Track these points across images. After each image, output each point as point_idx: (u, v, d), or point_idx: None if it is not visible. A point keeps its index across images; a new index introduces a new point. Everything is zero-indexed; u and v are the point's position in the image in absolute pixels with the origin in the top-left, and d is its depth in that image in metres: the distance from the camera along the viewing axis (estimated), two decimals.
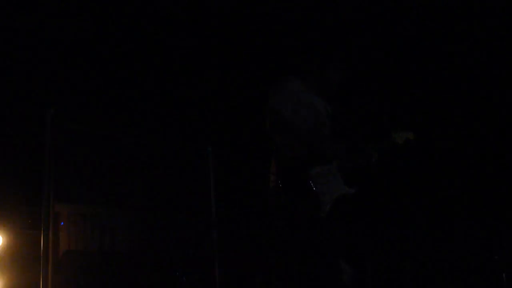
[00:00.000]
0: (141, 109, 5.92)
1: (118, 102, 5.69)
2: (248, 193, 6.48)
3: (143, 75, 5.76)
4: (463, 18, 5.59)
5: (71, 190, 5.37)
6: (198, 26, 5.51)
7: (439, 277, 5.54)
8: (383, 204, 6.01)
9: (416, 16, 5.61)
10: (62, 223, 5.34)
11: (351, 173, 3.88)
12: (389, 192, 6.08)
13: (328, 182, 3.65)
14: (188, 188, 6.29)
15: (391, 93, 6.44)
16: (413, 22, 5.63)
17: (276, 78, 3.76)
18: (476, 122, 6.73)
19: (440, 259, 5.56)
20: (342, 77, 3.86)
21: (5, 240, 5.06)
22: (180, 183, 6.25)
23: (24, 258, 5.11)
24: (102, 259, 5.49)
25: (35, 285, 4.66)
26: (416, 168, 5.74)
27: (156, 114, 6.05)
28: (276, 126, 3.66)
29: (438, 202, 5.73)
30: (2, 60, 5.36)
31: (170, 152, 6.26)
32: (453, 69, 6.13)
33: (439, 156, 6.32)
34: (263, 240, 6.48)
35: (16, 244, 5.12)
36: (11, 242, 5.08)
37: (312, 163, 3.63)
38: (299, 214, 3.58)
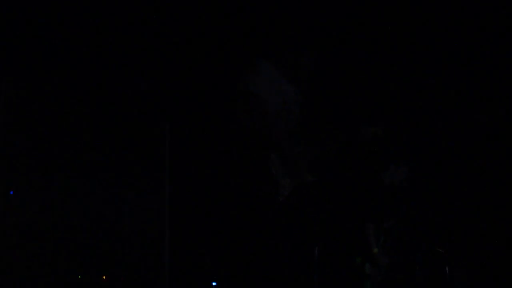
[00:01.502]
0: (97, 83, 5.82)
1: (77, 75, 5.59)
2: (206, 173, 6.48)
3: (101, 48, 5.65)
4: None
5: None
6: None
7: (390, 266, 5.65)
8: (343, 196, 6.09)
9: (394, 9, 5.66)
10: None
11: (314, 162, 3.93)
12: (350, 185, 6.17)
13: (289, 167, 3.69)
14: (143, 165, 6.25)
15: (364, 87, 6.50)
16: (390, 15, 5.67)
17: (249, 60, 3.76)
18: (445, 118, 6.89)
19: (391, 249, 5.68)
20: (315, 64, 3.88)
21: None
22: (134, 159, 6.20)
23: None
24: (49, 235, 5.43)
25: None
26: (381, 165, 5.83)
27: (112, 87, 5.96)
28: (244, 107, 3.67)
29: (395, 196, 5.84)
30: None
31: (126, 127, 6.20)
32: (428, 63, 6.22)
33: (405, 153, 6.43)
34: (218, 221, 6.50)
35: None
36: None
37: (273, 147, 3.66)
38: (257, 196, 3.61)
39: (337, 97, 6.51)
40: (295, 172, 3.74)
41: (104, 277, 5.98)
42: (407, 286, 5.87)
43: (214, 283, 6.40)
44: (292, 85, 3.92)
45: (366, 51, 6.03)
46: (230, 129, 3.89)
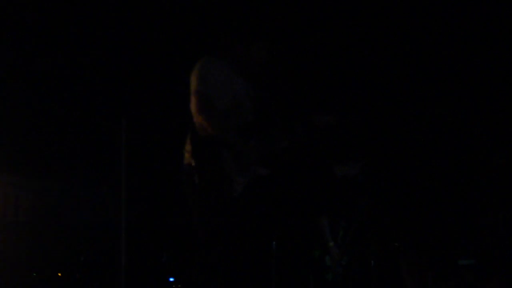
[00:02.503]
0: (56, 77, 5.74)
1: (35, 69, 5.50)
2: (160, 170, 6.45)
3: (61, 42, 5.57)
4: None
5: None
6: None
7: (349, 260, 5.70)
8: (296, 188, 6.09)
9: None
10: None
11: (267, 155, 3.92)
12: (304, 177, 6.17)
13: (242, 162, 3.68)
14: (99, 160, 6.20)
15: (315, 76, 6.52)
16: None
17: (198, 56, 3.73)
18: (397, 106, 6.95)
19: (349, 243, 5.72)
20: (265, 57, 3.86)
21: None
22: (91, 154, 6.15)
23: None
24: (3, 228, 5.35)
25: None
26: (335, 153, 5.85)
27: (69, 81, 5.88)
28: (194, 105, 3.64)
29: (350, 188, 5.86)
30: None
31: (83, 122, 6.14)
32: (380, 50, 6.25)
33: (359, 142, 6.48)
34: (173, 218, 6.48)
35: None
36: None
37: (225, 142, 3.64)
38: (211, 193, 3.59)
39: (289, 88, 6.53)
40: (248, 167, 3.72)
41: (59, 274, 5.92)
42: (365, 278, 5.93)
43: (171, 279, 6.39)
44: (242, 78, 3.90)
45: (318, 41, 6.04)
46: (183, 126, 3.86)
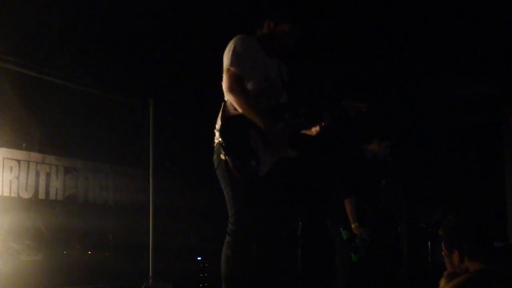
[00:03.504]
0: (83, 58, 5.78)
1: (63, 50, 5.54)
2: (188, 148, 6.49)
3: (86, 26, 5.61)
4: None
5: (6, 135, 5.26)
6: None
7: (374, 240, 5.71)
8: (324, 169, 6.12)
9: None
10: None
11: (297, 136, 3.93)
12: (332, 158, 6.20)
13: (270, 143, 3.69)
14: (127, 140, 6.25)
15: (349, 62, 6.50)
16: None
17: (228, 37, 3.74)
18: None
19: (375, 223, 5.73)
20: (295, 39, 3.86)
21: None
22: (119, 134, 6.20)
23: None
24: (35, 206, 5.43)
25: None
26: (364, 140, 5.85)
27: (97, 63, 5.92)
28: (225, 83, 3.65)
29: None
30: None
31: (111, 103, 6.19)
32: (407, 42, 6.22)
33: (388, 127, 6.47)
34: (200, 197, 6.53)
35: None
36: None
37: (255, 122, 3.65)
38: (238, 172, 3.61)
39: (320, 72, 6.52)
40: (276, 147, 3.74)
41: (89, 252, 6.02)
42: (390, 259, 5.93)
43: (198, 258, 6.46)
44: (274, 60, 3.91)
45: (350, 23, 6.01)
46: (213, 106, 3.88)
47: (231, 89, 3.61)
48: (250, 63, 3.69)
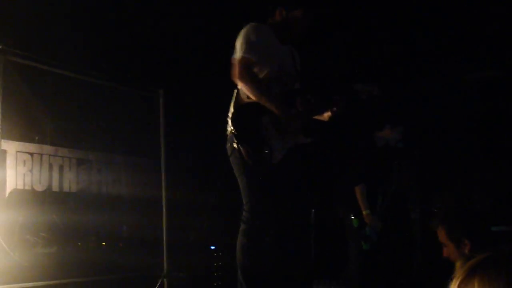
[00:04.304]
0: (91, 50, 5.78)
1: (71, 42, 5.55)
2: (200, 138, 6.49)
3: (96, 17, 5.60)
4: None
5: (18, 128, 5.27)
6: None
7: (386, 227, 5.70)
8: (338, 157, 6.10)
9: None
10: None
11: (309, 122, 3.93)
12: (345, 147, 6.18)
13: (283, 130, 3.69)
14: (138, 132, 6.25)
15: (360, 46, 6.47)
16: None
17: (239, 25, 3.74)
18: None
19: (387, 210, 5.72)
20: (307, 25, 3.85)
21: None
22: (129, 125, 6.20)
23: None
24: (49, 198, 5.45)
25: None
26: (377, 125, 5.83)
27: (107, 55, 5.92)
28: (236, 71, 3.65)
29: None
30: None
31: (120, 94, 6.19)
32: (420, 24, 6.18)
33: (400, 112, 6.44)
34: (213, 185, 6.53)
35: None
36: None
37: (267, 110, 3.65)
38: (251, 160, 3.61)
39: (331, 57, 6.50)
40: (289, 135, 3.74)
41: (103, 244, 6.03)
42: (404, 245, 5.92)
43: (212, 247, 6.47)
44: (287, 47, 3.90)
45: (362, 11, 5.98)
46: (224, 95, 3.88)
47: (242, 77, 3.61)
48: (263, 51, 3.69)
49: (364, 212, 5.60)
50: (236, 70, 3.65)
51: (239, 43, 3.69)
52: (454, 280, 1.40)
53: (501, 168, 7.09)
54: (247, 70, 3.62)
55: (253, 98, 3.63)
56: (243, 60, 3.64)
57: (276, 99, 3.66)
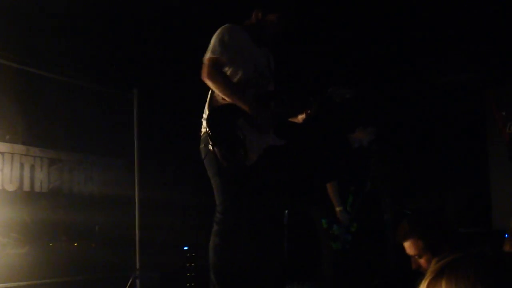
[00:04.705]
0: (64, 48, 5.73)
1: (45, 41, 5.49)
2: (174, 139, 6.47)
3: (68, 16, 5.55)
4: None
5: None
6: None
7: (359, 227, 5.74)
8: (312, 159, 6.14)
9: None
10: None
11: (283, 124, 3.94)
12: (318, 148, 6.21)
13: (257, 132, 3.70)
14: (113, 131, 6.21)
15: (333, 48, 6.51)
16: None
17: (214, 26, 3.74)
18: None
19: (359, 209, 5.75)
20: (282, 29, 3.86)
21: None
22: (103, 125, 6.16)
23: None
24: (20, 198, 5.39)
25: None
26: (350, 127, 5.88)
27: (80, 54, 5.87)
28: (204, 70, 3.64)
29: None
30: None
31: (94, 93, 6.15)
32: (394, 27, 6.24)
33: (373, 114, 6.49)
34: (186, 185, 6.52)
35: None
36: None
37: (241, 111, 3.65)
38: (225, 161, 3.61)
39: (307, 60, 6.53)
40: (263, 136, 3.74)
41: (75, 244, 5.99)
42: (376, 246, 5.97)
43: (185, 247, 6.46)
44: (262, 49, 3.91)
45: (337, 15, 6.02)
46: (199, 95, 3.87)
47: (210, 75, 3.61)
48: (236, 52, 3.69)
49: (337, 209, 5.63)
50: (204, 69, 3.65)
51: (211, 44, 3.69)
52: (423, 281, 1.42)
53: (472, 170, 7.19)
54: (213, 69, 3.62)
55: (221, 95, 3.64)
56: (212, 60, 3.64)
57: (246, 96, 3.66)
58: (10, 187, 5.33)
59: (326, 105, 3.94)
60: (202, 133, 3.75)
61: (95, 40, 5.81)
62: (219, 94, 3.65)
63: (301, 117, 3.96)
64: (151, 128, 6.34)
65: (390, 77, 7.05)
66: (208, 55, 3.65)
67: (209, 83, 3.64)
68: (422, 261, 2.95)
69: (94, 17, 5.60)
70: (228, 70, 3.71)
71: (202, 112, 3.78)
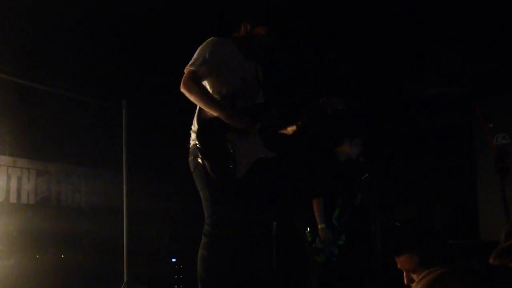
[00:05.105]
0: (53, 60, 5.72)
1: (32, 53, 5.48)
2: (163, 150, 6.45)
3: (57, 28, 5.55)
4: None
5: None
6: None
7: (346, 240, 5.74)
8: (299, 172, 6.14)
9: None
10: None
11: (273, 137, 3.94)
12: (306, 162, 6.22)
13: (247, 144, 3.70)
14: (101, 143, 6.20)
15: (322, 60, 6.53)
16: None
17: (203, 38, 3.74)
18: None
19: (347, 223, 5.76)
20: (271, 40, 3.86)
21: None
22: (92, 136, 6.14)
23: None
24: (7, 209, 5.36)
25: None
26: (337, 141, 5.89)
27: (69, 66, 5.86)
28: (183, 80, 3.65)
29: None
30: None
31: (82, 105, 6.13)
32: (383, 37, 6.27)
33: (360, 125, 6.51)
34: (175, 198, 6.49)
35: None
36: None
37: (230, 125, 3.65)
38: (215, 174, 3.61)
39: (296, 71, 6.55)
40: (253, 149, 3.75)
41: (62, 256, 5.95)
42: (363, 259, 5.97)
43: (173, 260, 6.43)
44: (250, 61, 3.91)
45: (323, 24, 6.05)
46: (188, 107, 3.87)
47: (185, 86, 3.61)
48: (220, 65, 3.69)
49: (319, 226, 5.64)
50: (182, 81, 3.66)
51: (194, 56, 3.71)
52: None
53: (461, 181, 7.22)
54: (190, 80, 3.62)
55: (199, 105, 3.65)
56: (190, 72, 3.65)
57: (222, 106, 3.66)
58: None
59: (316, 116, 3.93)
60: (191, 145, 3.74)
61: (84, 51, 5.81)
62: (196, 102, 3.66)
63: (291, 129, 3.97)
64: (140, 139, 6.32)
65: (378, 90, 7.08)
66: (187, 66, 3.67)
67: (185, 93, 3.65)
68: (415, 276, 2.91)
69: (83, 29, 5.60)
70: (211, 82, 3.72)
71: (191, 124, 3.78)
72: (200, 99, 3.61)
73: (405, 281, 2.97)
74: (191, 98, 3.63)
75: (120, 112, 6.04)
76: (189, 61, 3.70)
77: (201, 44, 3.75)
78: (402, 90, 7.13)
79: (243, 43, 3.86)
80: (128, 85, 6.24)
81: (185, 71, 3.67)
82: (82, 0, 5.28)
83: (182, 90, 3.64)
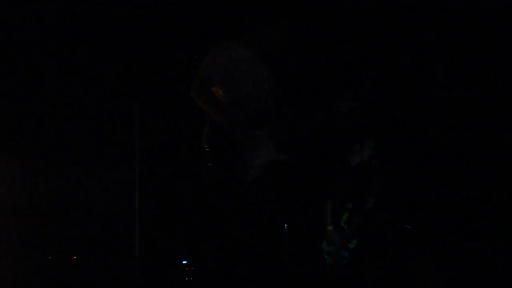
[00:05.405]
0: (64, 59, 5.74)
1: (43, 54, 5.50)
2: (175, 152, 6.45)
3: (69, 25, 5.56)
4: None
5: None
6: None
7: (358, 244, 5.72)
8: (311, 173, 6.11)
9: None
10: None
11: (283, 140, 3.91)
12: (324, 163, 6.20)
13: (258, 147, 3.67)
14: (112, 144, 6.21)
15: (340, 61, 6.51)
16: None
17: (215, 42, 3.72)
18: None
19: (357, 227, 5.74)
20: (286, 39, 3.83)
21: None
22: (103, 137, 6.15)
23: None
24: (19, 212, 5.38)
25: None
26: (357, 141, 5.86)
27: (80, 64, 5.88)
28: (192, 89, 3.63)
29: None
30: None
31: (94, 105, 6.15)
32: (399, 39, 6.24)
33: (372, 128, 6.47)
34: (187, 200, 6.49)
35: None
36: None
37: (241, 128, 3.63)
38: (226, 177, 3.60)
39: (310, 73, 6.52)
40: (264, 152, 3.72)
41: (74, 257, 5.96)
42: (375, 263, 5.94)
43: (184, 261, 6.42)
44: (263, 61, 3.88)
45: (340, 25, 6.02)
46: (198, 108, 3.86)
47: (194, 91, 3.59)
48: (229, 69, 3.66)
49: (328, 228, 5.63)
50: (192, 87, 3.63)
51: (205, 59, 3.67)
52: None
53: (472, 185, 7.16)
54: (200, 85, 3.60)
55: (206, 111, 3.63)
56: (199, 79, 3.62)
57: (228, 112, 3.63)
58: (9, 201, 5.32)
59: (330, 119, 3.90)
60: (205, 148, 3.72)
61: (97, 51, 5.82)
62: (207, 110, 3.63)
63: (304, 132, 3.94)
64: (152, 140, 6.33)
65: (390, 90, 7.03)
66: (198, 72, 3.64)
67: (196, 99, 3.62)
68: None
69: (96, 28, 5.61)
70: (221, 87, 3.69)
71: (203, 125, 3.76)
72: (207, 105, 3.59)
73: None
74: (200, 104, 3.61)
75: (133, 113, 6.04)
76: (201, 61, 3.68)
77: (213, 45, 3.72)
78: (417, 90, 7.08)
79: (256, 41, 3.82)
80: (141, 85, 6.24)
81: (195, 75, 3.64)
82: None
83: (192, 94, 3.62)
